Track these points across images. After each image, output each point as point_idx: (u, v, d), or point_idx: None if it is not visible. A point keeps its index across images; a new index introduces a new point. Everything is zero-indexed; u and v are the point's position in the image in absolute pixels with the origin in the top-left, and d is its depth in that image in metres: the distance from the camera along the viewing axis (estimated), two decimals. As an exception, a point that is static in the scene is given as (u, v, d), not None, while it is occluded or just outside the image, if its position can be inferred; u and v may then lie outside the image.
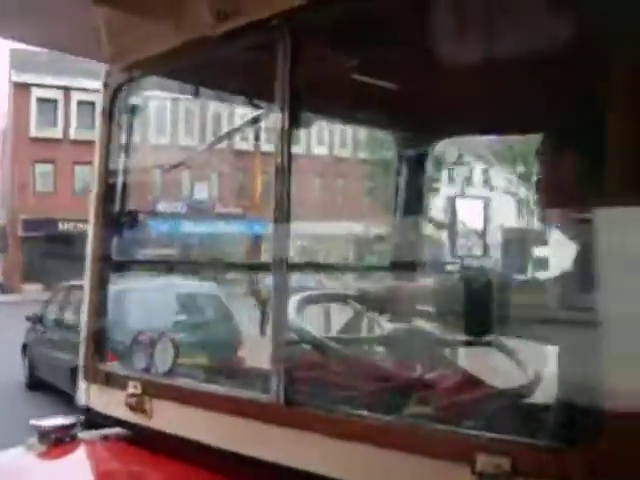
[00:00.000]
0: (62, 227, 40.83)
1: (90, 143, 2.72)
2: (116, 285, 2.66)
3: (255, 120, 2.62)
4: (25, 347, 13.97)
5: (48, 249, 39.31)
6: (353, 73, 2.45)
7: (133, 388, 2.19)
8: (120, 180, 2.55)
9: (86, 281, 2.52)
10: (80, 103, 41.67)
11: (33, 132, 44.79)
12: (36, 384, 12.62)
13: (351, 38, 2.10)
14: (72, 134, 43.69)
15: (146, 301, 7.93)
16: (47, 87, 43.69)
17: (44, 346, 12.43)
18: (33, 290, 41.27)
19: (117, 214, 2.54)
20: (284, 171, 1.88)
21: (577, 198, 1.80)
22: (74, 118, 44.02)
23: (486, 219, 2.64)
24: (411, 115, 3.00)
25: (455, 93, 2.50)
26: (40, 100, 44.31)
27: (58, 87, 43.74)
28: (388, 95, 2.71)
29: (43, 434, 2.23)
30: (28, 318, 13.93)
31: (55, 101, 44.68)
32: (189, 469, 1.98)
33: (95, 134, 2.59)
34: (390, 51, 2.23)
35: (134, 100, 2.58)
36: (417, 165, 3.18)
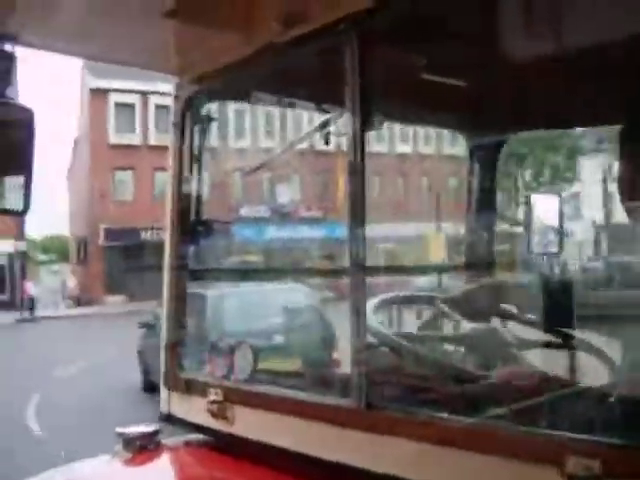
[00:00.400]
0: (144, 236, 39.63)
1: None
2: (196, 292, 2.70)
3: (326, 124, 2.62)
4: (140, 353, 15.26)
5: (130, 259, 38.82)
6: (422, 73, 2.44)
7: (214, 395, 2.21)
8: (195, 189, 2.59)
9: (164, 290, 2.57)
10: (158, 107, 40.57)
11: (112, 139, 44.18)
12: (150, 387, 13.34)
13: (418, 38, 2.08)
14: (151, 139, 42.74)
15: (229, 306, 8.44)
16: (124, 92, 43.04)
17: (156, 352, 12.89)
18: (116, 302, 41.11)
19: (193, 223, 2.58)
20: (357, 174, 1.87)
21: None
22: (152, 123, 43.30)
23: (566, 216, 2.58)
24: (482, 112, 2.97)
25: (526, 88, 2.46)
26: (118, 105, 43.96)
27: (135, 91, 42.90)
28: (458, 93, 2.68)
29: (128, 441, 2.28)
30: (141, 325, 15.15)
31: (133, 106, 44.08)
32: (271, 474, 1.99)
33: (169, 146, 2.63)
34: (458, 49, 2.21)
35: (205, 110, 2.62)
36: (489, 163, 3.13)
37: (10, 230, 38.98)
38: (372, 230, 1.90)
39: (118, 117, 44.25)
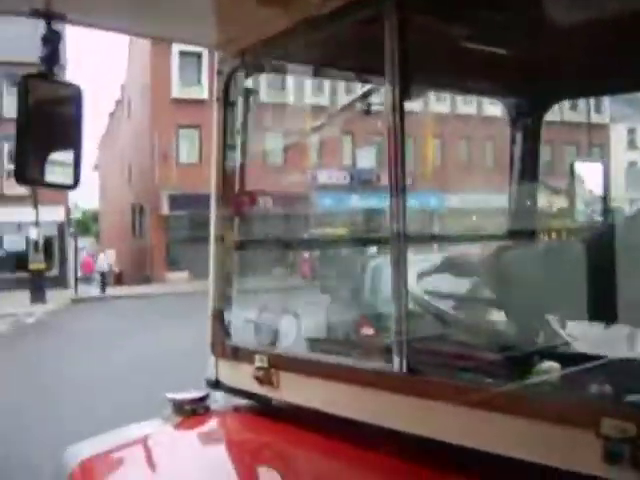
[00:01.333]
0: None
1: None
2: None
3: (367, 95, 2.64)
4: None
5: (196, 230, 32.22)
6: (461, 41, 2.43)
7: (260, 361, 2.28)
8: (239, 162, 2.64)
9: (210, 260, 2.63)
10: (227, 56, 36.54)
11: (175, 92, 38.74)
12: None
13: (458, 5, 2.08)
14: None
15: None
16: (189, 39, 37.74)
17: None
18: (178, 279, 36.74)
19: (237, 195, 2.64)
20: (397, 144, 1.90)
21: None
22: None
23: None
24: (523, 80, 2.95)
25: (568, 54, 2.44)
26: (182, 54, 38.04)
27: (202, 39, 37.81)
28: (498, 61, 2.67)
29: (178, 406, 2.37)
30: None
31: (199, 55, 37.86)
32: (315, 438, 2.05)
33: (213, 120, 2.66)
34: (498, 16, 2.20)
35: (248, 84, 2.66)
36: (531, 131, 3.12)
37: (58, 197, 34.28)
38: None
39: (182, 68, 38.70)
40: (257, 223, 2.97)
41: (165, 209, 38.38)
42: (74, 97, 2.28)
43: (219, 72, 2.62)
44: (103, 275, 36.78)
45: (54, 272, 37.49)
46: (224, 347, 2.52)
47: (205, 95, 37.03)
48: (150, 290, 34.42)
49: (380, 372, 1.93)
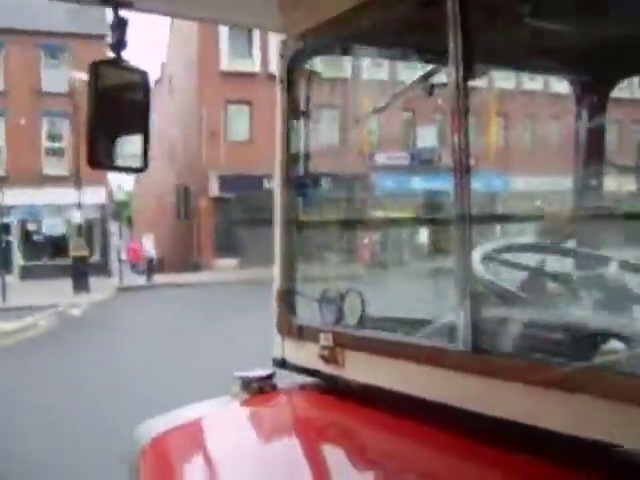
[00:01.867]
0: (267, 185, 28.40)
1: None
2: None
3: (429, 74, 2.64)
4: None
5: (247, 213, 29.45)
6: (525, 18, 2.40)
7: (325, 340, 2.31)
8: (303, 144, 2.67)
9: (276, 242, 2.68)
10: (280, 27, 34.06)
11: (224, 65, 36.10)
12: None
13: None
14: (273, 66, 32.72)
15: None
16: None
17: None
18: (227, 266, 34.76)
19: (302, 177, 2.67)
20: (461, 122, 1.90)
21: None
22: (273, 46, 35.57)
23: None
24: (588, 56, 2.90)
25: (635, 29, 2.39)
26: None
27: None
28: (563, 37, 2.63)
29: (246, 384, 2.43)
30: None
31: None
32: (381, 416, 2.08)
33: (276, 103, 2.70)
34: None
35: (310, 66, 2.68)
36: (597, 109, 3.06)
37: (99, 178, 32.49)
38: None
39: (232, 39, 35.93)
40: (321, 204, 3.00)
41: (215, 190, 35.95)
42: (141, 82, 2.35)
43: (281, 55, 2.65)
44: (150, 262, 34.73)
45: (95, 258, 36.14)
46: (290, 326, 2.57)
47: (257, 68, 34.62)
48: (199, 278, 32.20)
49: (445, 350, 1.95)
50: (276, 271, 2.66)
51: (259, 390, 2.44)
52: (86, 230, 33.83)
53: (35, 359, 14.59)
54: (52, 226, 36.84)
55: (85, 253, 30.21)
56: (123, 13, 2.32)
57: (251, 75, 34.79)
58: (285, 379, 2.59)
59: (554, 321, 2.15)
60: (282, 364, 2.60)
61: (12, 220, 34.95)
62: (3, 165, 36.32)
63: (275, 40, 2.71)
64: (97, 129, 2.22)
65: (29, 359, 14.71)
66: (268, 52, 33.23)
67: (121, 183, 39.04)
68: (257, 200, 25.10)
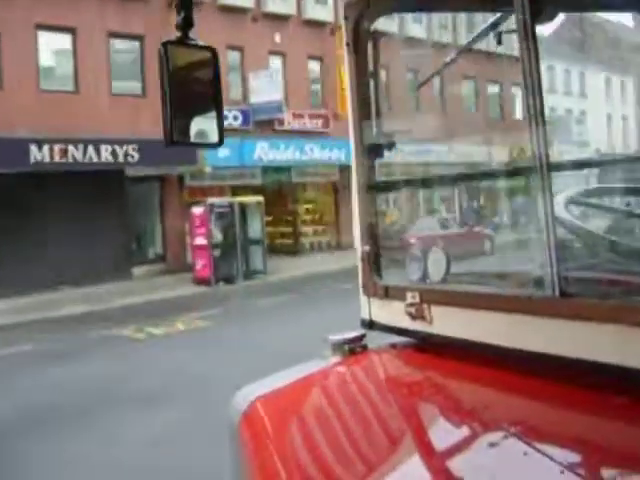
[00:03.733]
0: (37, 157, 21.75)
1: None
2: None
3: (497, 23, 2.60)
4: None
5: None
6: None
7: (411, 298, 2.33)
8: (374, 107, 2.67)
9: (355, 206, 2.70)
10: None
11: None
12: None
13: None
14: (308, 11, 30.50)
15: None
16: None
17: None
18: None
19: (374, 140, 2.67)
20: (532, 69, 1.87)
21: None
22: None
23: None
24: None
25: None
26: None
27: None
28: None
29: (337, 346, 2.47)
30: None
31: None
32: (473, 369, 2.09)
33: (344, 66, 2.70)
34: None
35: (377, 26, 2.67)
36: None
37: None
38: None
39: None
40: (397, 165, 3.00)
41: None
42: (210, 59, 2.39)
43: (346, 17, 2.65)
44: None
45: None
46: (375, 287, 2.59)
47: (291, 11, 30.98)
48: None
49: (533, 297, 1.94)
50: (356, 233, 2.69)
51: (350, 352, 2.48)
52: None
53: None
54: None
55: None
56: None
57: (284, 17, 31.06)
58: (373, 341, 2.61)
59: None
60: (370, 325, 2.63)
61: None
62: None
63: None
64: (171, 108, 2.27)
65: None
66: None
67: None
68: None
